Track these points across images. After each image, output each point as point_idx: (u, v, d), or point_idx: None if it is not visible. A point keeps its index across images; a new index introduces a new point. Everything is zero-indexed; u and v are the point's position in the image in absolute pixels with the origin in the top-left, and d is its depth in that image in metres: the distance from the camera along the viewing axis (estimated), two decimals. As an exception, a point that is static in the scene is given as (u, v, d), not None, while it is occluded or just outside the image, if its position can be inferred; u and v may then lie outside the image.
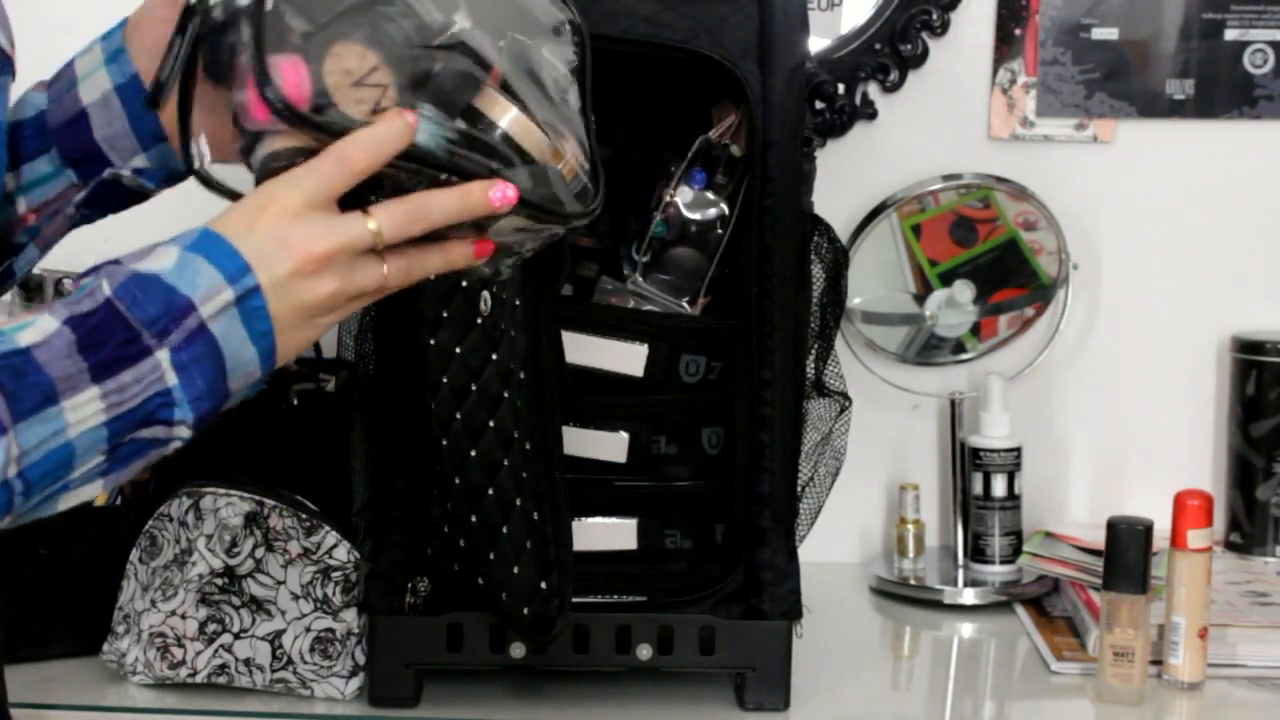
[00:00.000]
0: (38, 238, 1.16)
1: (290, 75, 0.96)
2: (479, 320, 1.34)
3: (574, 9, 1.08)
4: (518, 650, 1.43)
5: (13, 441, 0.87)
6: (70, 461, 0.90)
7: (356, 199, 0.98)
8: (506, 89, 1.03)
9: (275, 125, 0.97)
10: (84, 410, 0.90)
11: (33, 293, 1.59)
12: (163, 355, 0.91)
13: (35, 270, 1.50)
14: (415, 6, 1.02)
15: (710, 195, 1.43)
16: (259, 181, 0.97)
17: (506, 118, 1.01)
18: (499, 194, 0.98)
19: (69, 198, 1.15)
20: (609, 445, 1.43)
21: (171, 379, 0.92)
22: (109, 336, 0.90)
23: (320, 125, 0.95)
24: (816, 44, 1.82)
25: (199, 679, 1.45)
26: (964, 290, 1.82)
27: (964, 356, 1.84)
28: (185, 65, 1.02)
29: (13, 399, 0.87)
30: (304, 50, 0.97)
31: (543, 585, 1.36)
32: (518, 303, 1.34)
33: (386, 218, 0.96)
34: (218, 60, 1.00)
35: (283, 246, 0.94)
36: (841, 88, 1.84)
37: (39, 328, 0.90)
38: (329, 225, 0.95)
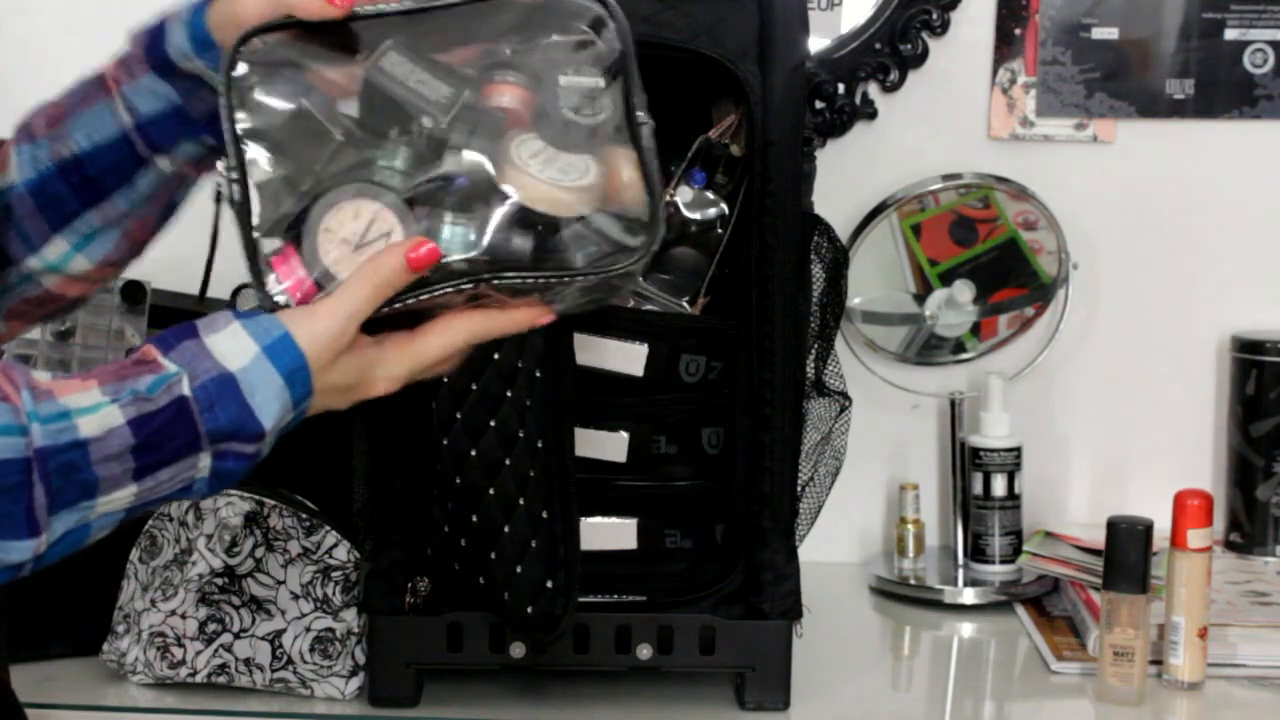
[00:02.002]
0: (200, 169, 1.16)
1: (285, 271, 0.97)
2: None
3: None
4: (518, 650, 1.43)
5: (44, 541, 0.89)
6: (83, 540, 0.93)
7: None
8: (535, 138, 1.01)
9: None
10: (116, 503, 0.91)
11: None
12: (205, 457, 0.93)
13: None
14: (397, 112, 0.99)
15: (710, 195, 1.43)
16: None
17: (522, 192, 0.99)
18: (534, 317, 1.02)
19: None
20: (609, 445, 1.43)
21: (202, 475, 0.94)
22: (169, 439, 0.91)
23: None
24: (816, 44, 1.82)
25: (199, 679, 1.45)
26: (964, 290, 1.82)
27: (964, 356, 1.84)
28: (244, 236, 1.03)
29: (56, 497, 0.88)
30: (294, 234, 0.97)
31: (549, 584, 1.36)
32: None
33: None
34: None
35: (346, 395, 0.99)
36: (841, 88, 1.84)
37: (102, 420, 0.90)
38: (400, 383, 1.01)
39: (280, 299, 0.97)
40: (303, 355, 0.95)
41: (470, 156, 0.99)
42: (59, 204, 1.12)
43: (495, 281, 0.99)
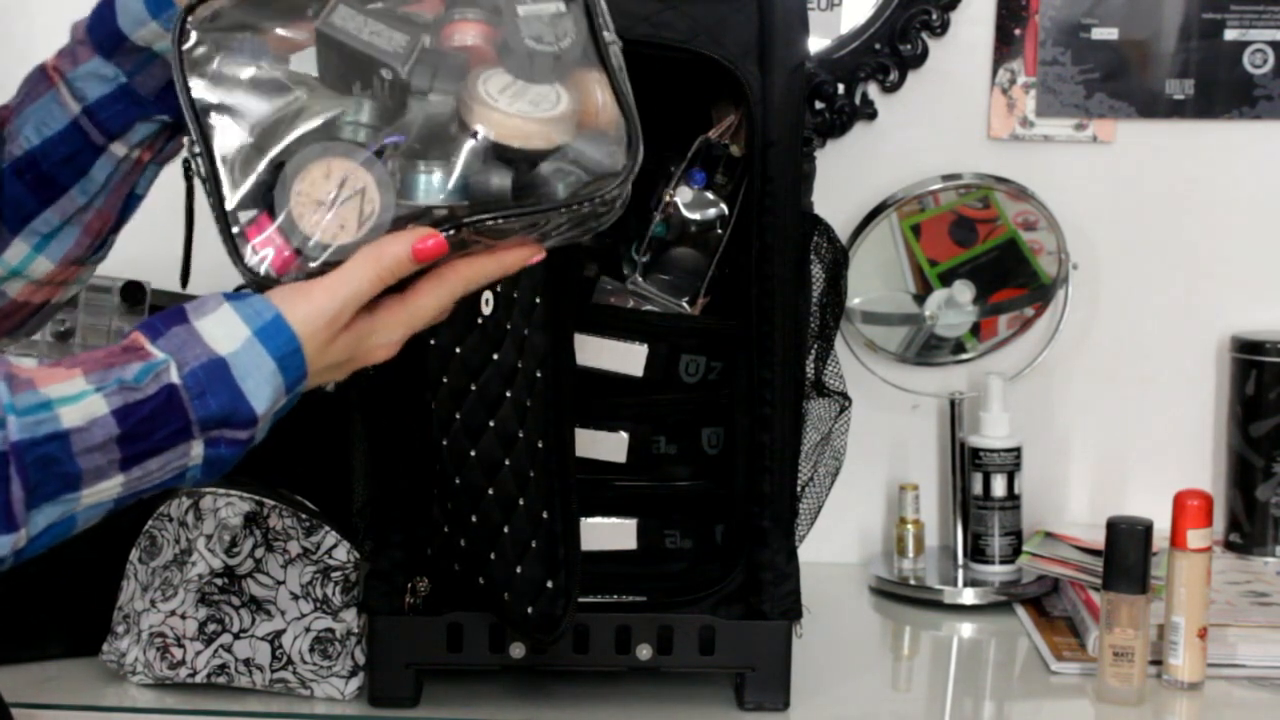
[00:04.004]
0: (159, 157, 1.14)
1: (261, 241, 0.95)
2: (480, 320, 1.34)
3: None
4: (518, 650, 1.43)
5: (23, 536, 0.87)
6: (69, 532, 0.91)
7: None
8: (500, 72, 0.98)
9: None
10: (102, 494, 0.90)
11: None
12: (197, 445, 0.91)
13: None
14: (355, 66, 0.98)
15: (710, 195, 1.43)
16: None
17: (495, 130, 0.97)
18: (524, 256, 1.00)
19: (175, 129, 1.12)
20: (609, 445, 1.43)
21: (195, 462, 0.92)
22: (158, 428, 0.90)
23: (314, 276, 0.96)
24: (816, 44, 1.82)
25: (199, 679, 1.45)
26: (964, 290, 1.82)
27: (964, 356, 1.84)
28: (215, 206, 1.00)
29: (34, 491, 0.87)
30: (267, 202, 0.96)
31: (549, 584, 1.36)
32: (538, 300, 1.34)
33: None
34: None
35: (343, 369, 0.98)
36: (841, 88, 1.84)
37: (85, 409, 0.88)
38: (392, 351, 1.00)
39: (261, 269, 0.95)
40: (296, 338, 0.94)
41: (436, 101, 0.97)
42: (16, 205, 1.11)
43: (476, 225, 0.97)
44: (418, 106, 0.97)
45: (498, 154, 0.97)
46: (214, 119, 0.98)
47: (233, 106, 0.98)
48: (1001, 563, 1.77)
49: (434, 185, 0.97)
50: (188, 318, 0.93)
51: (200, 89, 0.98)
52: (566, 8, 1.00)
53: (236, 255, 0.96)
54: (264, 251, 0.96)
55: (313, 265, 0.96)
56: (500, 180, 0.97)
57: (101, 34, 1.09)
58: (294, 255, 0.96)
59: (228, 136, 0.98)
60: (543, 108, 0.98)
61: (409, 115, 0.97)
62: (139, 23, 1.07)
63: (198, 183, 1.01)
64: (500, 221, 0.97)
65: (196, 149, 0.98)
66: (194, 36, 0.99)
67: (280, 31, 0.99)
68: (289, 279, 0.96)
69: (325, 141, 0.97)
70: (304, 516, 1.45)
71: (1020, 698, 1.57)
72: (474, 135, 0.97)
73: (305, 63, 0.99)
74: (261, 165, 0.97)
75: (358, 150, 0.97)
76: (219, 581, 1.45)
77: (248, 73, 0.99)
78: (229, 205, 0.97)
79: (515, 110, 0.97)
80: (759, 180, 1.40)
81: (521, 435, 1.35)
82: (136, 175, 1.13)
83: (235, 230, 0.96)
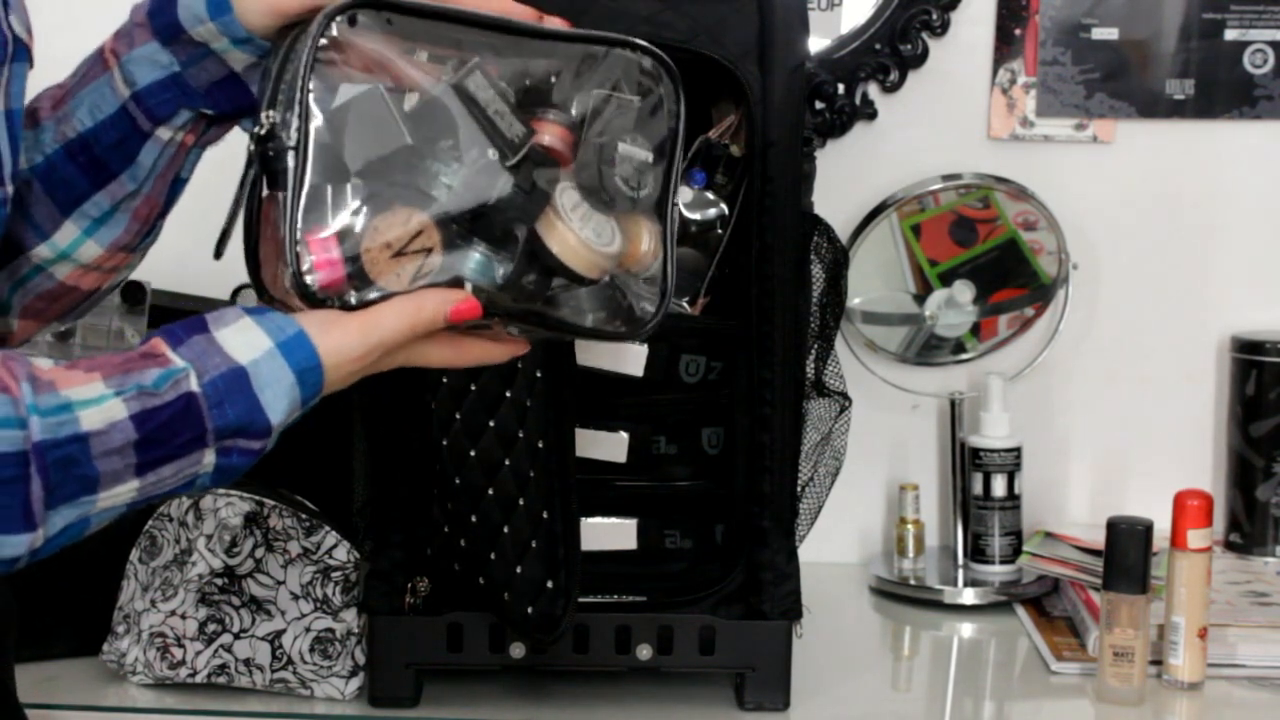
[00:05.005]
0: (202, 140, 1.14)
1: (319, 252, 0.96)
2: None
3: (666, 74, 1.06)
4: (518, 650, 1.43)
5: (40, 536, 0.88)
6: (83, 533, 0.91)
7: None
8: (579, 190, 1.03)
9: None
10: (117, 498, 0.90)
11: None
12: (210, 453, 0.92)
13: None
14: (465, 131, 0.99)
15: (710, 195, 1.43)
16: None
17: (558, 245, 1.01)
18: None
19: (222, 121, 1.13)
20: (609, 445, 1.43)
21: (206, 470, 0.93)
22: (175, 434, 0.90)
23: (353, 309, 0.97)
24: (816, 44, 1.82)
25: (199, 679, 1.45)
26: (964, 290, 1.82)
27: (964, 356, 1.84)
28: (248, 206, 1.01)
29: (53, 492, 0.87)
30: (336, 220, 0.96)
31: (549, 584, 1.36)
32: None
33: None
34: (272, 206, 0.99)
35: (351, 379, 0.98)
36: (841, 88, 1.84)
37: (105, 413, 0.89)
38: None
39: (309, 279, 0.95)
40: (317, 355, 0.95)
41: (520, 193, 1.00)
42: (68, 186, 1.11)
43: (510, 318, 1.00)
44: (501, 190, 1.00)
45: (550, 264, 1.01)
46: (313, 125, 0.97)
47: (333, 115, 0.98)
48: (1001, 563, 1.77)
49: (486, 269, 0.99)
50: (208, 327, 0.94)
51: (316, 91, 0.98)
52: (653, 160, 1.05)
53: (294, 259, 0.96)
54: (321, 263, 0.96)
55: (353, 297, 0.96)
56: (539, 287, 1.01)
57: (161, 21, 1.09)
58: (343, 279, 0.96)
59: (319, 139, 0.97)
60: (603, 240, 1.02)
61: (484, 191, 0.99)
62: (198, 20, 1.07)
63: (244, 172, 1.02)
64: (531, 325, 1.01)
65: (293, 142, 0.97)
66: (331, 37, 0.98)
67: (404, 66, 0.99)
68: (328, 300, 0.96)
69: (416, 191, 0.98)
70: (304, 516, 1.46)
71: (1020, 698, 1.58)
72: (535, 240, 1.01)
73: (410, 98, 1.00)
74: (351, 187, 0.97)
75: (439, 209, 0.98)
76: (219, 581, 1.45)
77: (362, 89, 0.98)
78: (300, 210, 0.96)
79: (584, 236, 1.01)
80: (759, 180, 1.40)
81: (521, 435, 1.35)
82: (181, 159, 1.13)
83: (299, 230, 0.96)
